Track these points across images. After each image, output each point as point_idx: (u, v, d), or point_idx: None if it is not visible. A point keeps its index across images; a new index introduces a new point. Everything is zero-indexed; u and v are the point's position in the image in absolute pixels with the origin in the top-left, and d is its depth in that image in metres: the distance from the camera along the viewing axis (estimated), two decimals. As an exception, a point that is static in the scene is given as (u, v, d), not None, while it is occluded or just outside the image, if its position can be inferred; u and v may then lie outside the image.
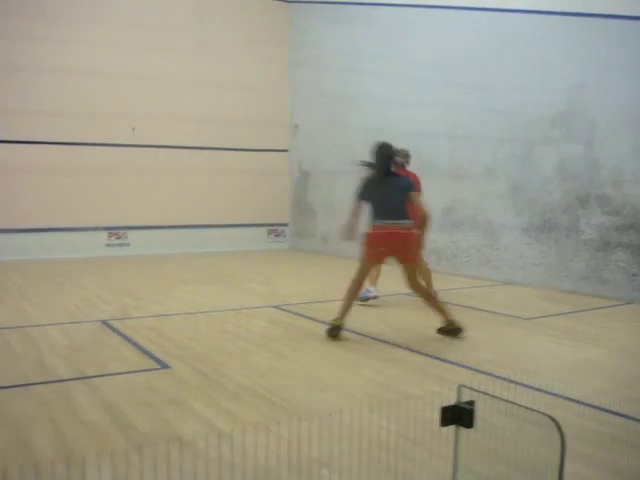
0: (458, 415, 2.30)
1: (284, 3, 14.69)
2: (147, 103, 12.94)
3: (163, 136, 13.18)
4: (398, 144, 11.74)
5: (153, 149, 13.14)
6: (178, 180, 13.50)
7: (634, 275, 8.27)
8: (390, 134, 12.03)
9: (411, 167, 11.63)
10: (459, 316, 7.43)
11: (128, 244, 13.23)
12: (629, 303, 8.20)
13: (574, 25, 8.89)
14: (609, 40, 8.53)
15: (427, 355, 5.57)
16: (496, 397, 2.33)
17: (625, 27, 8.31)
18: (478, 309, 7.80)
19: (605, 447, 3.60)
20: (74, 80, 12.28)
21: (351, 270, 9.78)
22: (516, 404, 2.30)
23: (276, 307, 7.73)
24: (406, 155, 8.12)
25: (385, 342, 6.05)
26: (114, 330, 6.38)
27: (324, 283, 9.87)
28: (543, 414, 2.09)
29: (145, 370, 5.05)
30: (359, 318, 7.15)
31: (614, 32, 8.45)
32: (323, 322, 6.88)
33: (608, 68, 8.53)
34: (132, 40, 12.60)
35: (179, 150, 13.44)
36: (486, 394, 2.32)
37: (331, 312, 7.38)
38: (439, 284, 9.32)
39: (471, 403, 2.29)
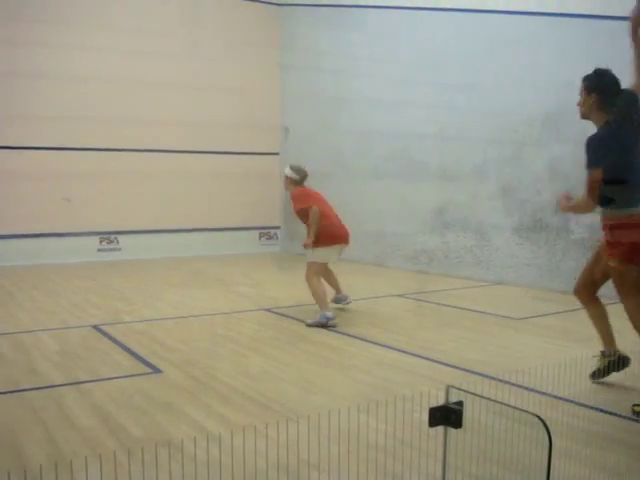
0: (447, 415, 2.30)
1: (274, 6, 14.70)
2: (137, 107, 12.91)
3: (153, 140, 13.16)
4: (389, 145, 11.88)
5: (143, 153, 13.13)
6: (169, 184, 13.48)
7: (624, 274, 8.30)
8: (381, 136, 12.14)
9: (400, 168, 11.73)
10: (451, 316, 7.47)
11: (120, 249, 13.21)
12: (619, 302, 8.21)
13: (563, 25, 8.93)
14: (598, 40, 8.56)
15: (417, 356, 5.59)
16: (484, 397, 2.34)
17: (613, 27, 8.33)
18: (469, 309, 7.81)
19: (595, 445, 3.62)
20: (61, 84, 12.24)
21: (342, 271, 9.81)
22: (504, 404, 2.31)
23: (267, 310, 7.74)
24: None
25: (375, 343, 6.06)
26: (106, 335, 6.38)
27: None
28: (530, 413, 2.11)
29: (137, 374, 5.05)
30: (349, 320, 7.17)
31: (602, 32, 8.48)
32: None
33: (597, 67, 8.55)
34: (120, 45, 12.58)
35: (170, 154, 13.43)
36: (474, 394, 2.33)
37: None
38: (431, 285, 9.35)
39: (459, 403, 2.30)
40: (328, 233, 7.36)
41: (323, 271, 7.57)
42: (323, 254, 7.34)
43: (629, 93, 4.56)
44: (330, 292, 7.63)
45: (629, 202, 4.25)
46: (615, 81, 4.63)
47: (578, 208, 4.80)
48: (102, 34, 12.46)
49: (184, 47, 13.32)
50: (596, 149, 4.28)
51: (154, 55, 12.88)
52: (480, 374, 4.97)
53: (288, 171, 8.06)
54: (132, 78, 12.78)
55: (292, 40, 14.42)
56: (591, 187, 4.22)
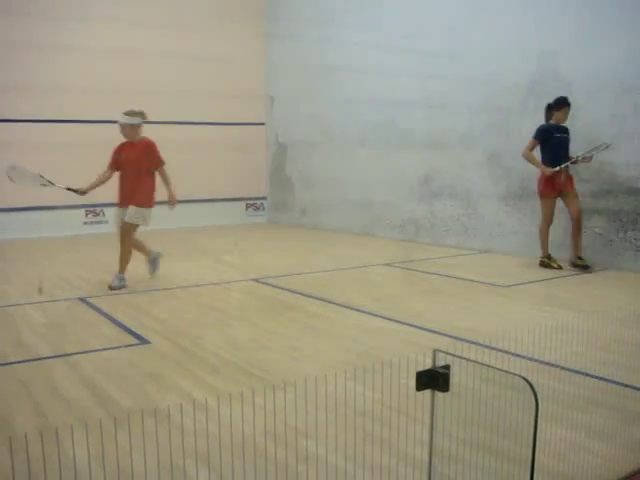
0: (434, 379, 2.31)
1: (258, -26, 14.54)
2: (121, 78, 12.76)
3: (138, 111, 13.03)
4: (375, 114, 11.82)
5: (128, 125, 12.99)
6: (154, 156, 13.39)
7: (610, 241, 8.34)
8: (366, 104, 12.09)
9: (386, 137, 11.68)
10: (438, 285, 7.50)
11: (106, 221, 13.11)
12: (605, 269, 8.27)
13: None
14: (583, 7, 8.52)
15: (405, 323, 5.61)
16: (471, 360, 2.34)
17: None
18: (456, 277, 7.84)
19: (580, 408, 3.65)
20: (52, 56, 12.08)
21: (329, 241, 9.86)
22: (491, 367, 2.32)
23: (255, 280, 7.73)
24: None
25: (362, 312, 6.08)
26: (92, 307, 6.36)
27: (303, 255, 9.88)
28: (516, 375, 2.12)
29: (125, 346, 5.05)
30: (336, 289, 7.19)
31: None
32: (303, 294, 6.90)
33: (582, 35, 8.53)
34: (103, 14, 12.41)
35: (155, 125, 13.19)
36: (461, 358, 2.33)
37: (309, 284, 7.42)
38: (418, 254, 9.38)
39: (446, 367, 2.30)
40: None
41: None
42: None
43: None
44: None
45: None
46: None
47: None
48: (87, 3, 12.30)
49: (167, 17, 13.14)
50: None
51: (137, 25, 12.69)
52: (467, 341, 4.99)
53: (135, 119, 7.82)
54: (116, 49, 12.61)
55: (276, 8, 14.27)
56: None
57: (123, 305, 6.44)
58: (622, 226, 8.26)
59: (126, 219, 7.37)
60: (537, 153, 8.47)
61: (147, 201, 7.45)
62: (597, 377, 4.15)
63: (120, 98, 12.77)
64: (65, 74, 12.29)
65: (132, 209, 7.34)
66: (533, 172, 9.21)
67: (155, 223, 13.14)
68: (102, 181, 7.64)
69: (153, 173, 7.56)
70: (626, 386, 4.01)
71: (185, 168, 13.65)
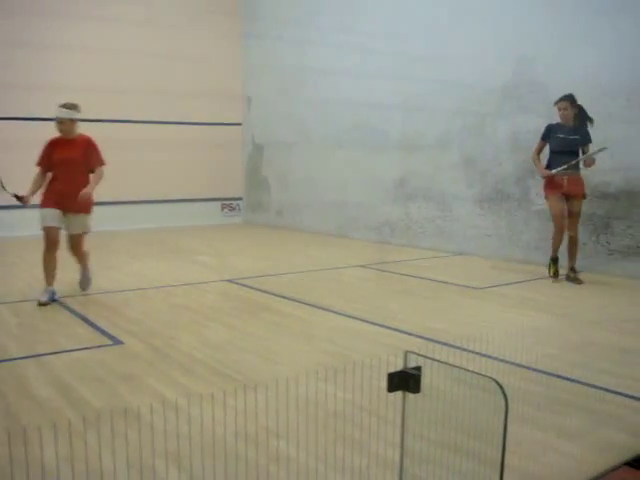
0: (405, 381, 2.32)
1: (235, -26, 14.51)
2: (96, 76, 12.68)
3: (113, 110, 12.94)
4: (352, 115, 11.83)
5: (104, 123, 12.90)
6: (130, 155, 13.28)
7: (584, 244, 8.40)
8: (343, 106, 12.10)
9: (362, 138, 11.70)
10: (412, 286, 7.52)
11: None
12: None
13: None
14: (560, 13, 8.60)
15: (379, 325, 5.63)
16: (442, 362, 2.36)
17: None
18: (431, 279, 7.87)
19: (552, 410, 3.68)
20: (30, 53, 11.98)
21: (305, 242, 9.84)
22: (461, 368, 2.33)
23: (229, 281, 7.71)
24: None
25: (337, 313, 6.08)
26: (65, 307, 6.31)
27: (278, 256, 9.87)
28: (486, 377, 2.13)
29: (98, 346, 5.01)
30: (311, 290, 7.18)
31: (565, 4, 8.54)
32: (277, 295, 6.89)
33: (559, 40, 8.60)
34: (80, 11, 12.31)
35: (130, 124, 13.23)
36: (432, 359, 2.34)
37: (284, 285, 7.42)
38: (394, 255, 9.40)
39: (418, 369, 2.31)
40: None
41: None
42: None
43: None
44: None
45: None
46: None
47: None
48: (67, 2, 12.22)
49: (145, 16, 13.06)
50: None
51: (115, 24, 12.62)
52: (440, 342, 5.01)
53: (73, 113, 6.89)
54: (93, 48, 12.52)
55: (254, 9, 14.26)
56: None
57: (96, 305, 6.40)
58: (595, 230, 8.34)
59: (77, 231, 6.98)
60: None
61: (91, 205, 6.94)
62: (568, 379, 4.19)
63: (95, 97, 12.70)
64: (46, 72, 12.17)
65: (81, 218, 6.90)
66: (507, 175, 9.28)
67: (129, 223, 13.18)
68: (40, 185, 6.84)
69: (90, 173, 6.87)
70: (596, 387, 4.05)
71: (160, 167, 13.64)
